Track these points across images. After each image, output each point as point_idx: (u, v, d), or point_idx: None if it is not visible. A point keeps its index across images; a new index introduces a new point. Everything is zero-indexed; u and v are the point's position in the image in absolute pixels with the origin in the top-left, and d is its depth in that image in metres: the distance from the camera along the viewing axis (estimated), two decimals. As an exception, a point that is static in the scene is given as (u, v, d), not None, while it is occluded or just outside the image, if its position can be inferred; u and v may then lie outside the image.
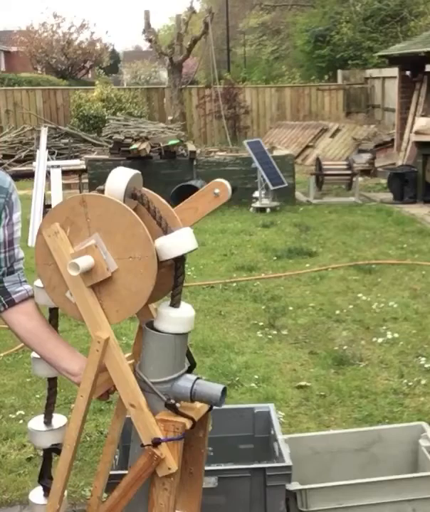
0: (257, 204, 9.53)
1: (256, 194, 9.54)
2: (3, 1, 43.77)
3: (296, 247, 7.32)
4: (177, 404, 1.74)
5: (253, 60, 27.52)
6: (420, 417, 3.52)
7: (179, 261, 1.75)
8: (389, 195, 10.35)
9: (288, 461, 2.52)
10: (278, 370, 4.33)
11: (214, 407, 1.84)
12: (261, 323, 5.13)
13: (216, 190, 1.76)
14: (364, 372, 4.25)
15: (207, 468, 2.18)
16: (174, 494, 1.79)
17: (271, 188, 9.38)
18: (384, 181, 11.17)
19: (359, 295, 5.70)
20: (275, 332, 4.97)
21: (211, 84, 16.64)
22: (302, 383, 4.10)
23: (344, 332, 4.94)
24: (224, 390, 1.76)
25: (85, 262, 1.71)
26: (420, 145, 10.15)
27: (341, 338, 4.84)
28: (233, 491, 2.54)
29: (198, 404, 1.81)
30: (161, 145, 9.83)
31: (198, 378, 1.78)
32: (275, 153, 10.31)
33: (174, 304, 1.77)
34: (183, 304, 1.79)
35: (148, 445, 1.74)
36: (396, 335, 4.80)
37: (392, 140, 13.65)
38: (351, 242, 7.55)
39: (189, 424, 1.76)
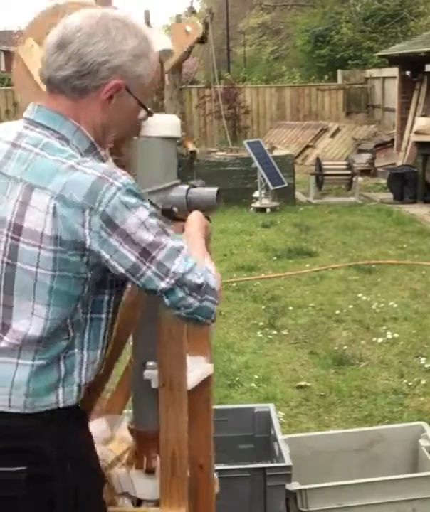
0: (257, 204, 9.53)
1: (256, 194, 9.54)
2: (3, 1, 43.72)
3: (296, 247, 7.31)
4: (174, 209, 1.67)
5: (253, 60, 27.53)
6: (420, 417, 3.52)
7: None
8: (389, 195, 10.34)
9: (288, 461, 2.52)
10: (277, 370, 4.33)
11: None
12: (261, 323, 5.13)
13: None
14: (364, 372, 4.25)
15: (207, 468, 2.18)
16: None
17: (271, 188, 9.37)
18: (384, 181, 11.16)
19: (359, 295, 5.70)
20: (275, 332, 4.97)
21: (211, 84, 16.61)
22: (302, 383, 4.10)
23: (344, 332, 4.94)
24: (219, 192, 1.71)
25: None
26: (420, 145, 10.15)
27: (341, 338, 4.84)
28: (233, 491, 2.54)
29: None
30: (161, 145, 9.82)
31: (190, 187, 1.74)
32: (275, 153, 10.30)
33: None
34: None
35: None
36: (396, 335, 4.80)
37: (392, 140, 13.64)
38: (351, 242, 7.55)
39: None
